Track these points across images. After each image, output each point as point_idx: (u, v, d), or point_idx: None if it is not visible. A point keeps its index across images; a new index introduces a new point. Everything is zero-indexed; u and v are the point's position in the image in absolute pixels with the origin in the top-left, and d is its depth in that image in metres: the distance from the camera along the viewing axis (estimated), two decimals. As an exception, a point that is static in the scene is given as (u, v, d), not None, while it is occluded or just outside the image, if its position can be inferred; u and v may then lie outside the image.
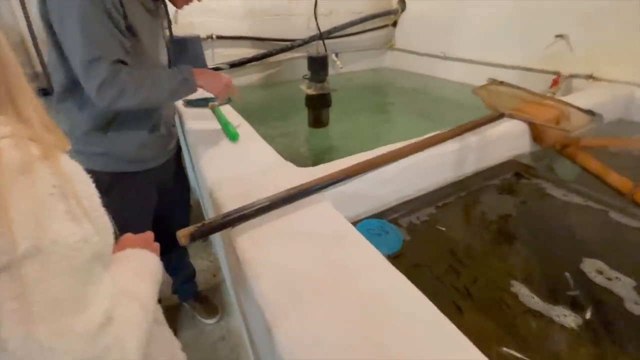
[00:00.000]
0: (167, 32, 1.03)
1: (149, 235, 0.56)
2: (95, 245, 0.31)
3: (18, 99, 0.29)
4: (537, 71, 1.88)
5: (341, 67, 2.62)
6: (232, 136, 1.02)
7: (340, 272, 0.52)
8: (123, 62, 0.78)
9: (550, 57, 1.84)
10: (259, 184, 0.78)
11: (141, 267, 0.46)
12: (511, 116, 1.15)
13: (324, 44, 1.56)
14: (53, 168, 0.28)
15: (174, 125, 1.13)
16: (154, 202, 1.08)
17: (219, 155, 0.94)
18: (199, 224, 0.58)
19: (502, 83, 1.41)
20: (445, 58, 2.41)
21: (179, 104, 1.40)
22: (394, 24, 2.82)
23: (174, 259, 1.38)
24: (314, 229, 0.62)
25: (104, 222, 0.35)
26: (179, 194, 1.24)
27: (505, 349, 0.53)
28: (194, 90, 0.94)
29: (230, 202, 0.70)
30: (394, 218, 0.88)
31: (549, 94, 1.62)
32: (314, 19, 2.51)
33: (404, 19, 2.74)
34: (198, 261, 1.66)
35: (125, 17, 0.78)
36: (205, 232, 0.58)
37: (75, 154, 0.37)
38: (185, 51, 1.75)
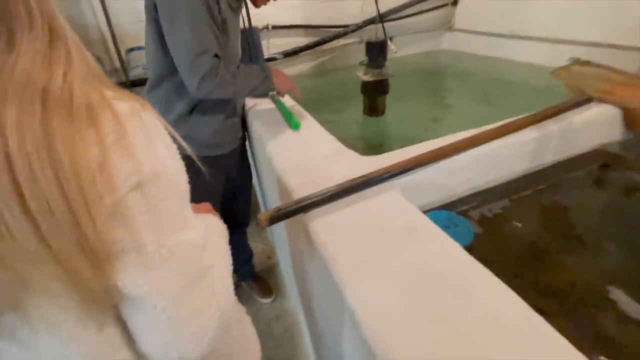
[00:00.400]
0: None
1: (208, 206, 0.61)
2: (185, 182, 0.35)
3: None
4: (625, 48, 1.63)
5: (395, 52, 2.51)
6: (295, 125, 1.04)
7: (414, 260, 0.51)
8: (218, 57, 0.85)
9: (644, 31, 1.58)
10: (325, 171, 0.78)
11: (211, 226, 0.50)
12: (601, 100, 1.02)
13: (383, 27, 1.50)
14: (150, 115, 0.33)
15: (244, 115, 1.20)
16: (222, 186, 1.15)
17: (283, 143, 0.97)
18: (276, 208, 0.60)
19: (587, 63, 1.25)
20: (512, 37, 2.19)
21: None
22: (454, 3, 2.62)
23: (235, 241, 1.46)
24: (386, 218, 0.62)
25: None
26: (244, 179, 1.31)
27: (602, 358, 0.49)
28: (270, 89, 1.06)
29: (299, 189, 0.72)
30: (463, 210, 0.83)
31: (644, 74, 1.40)
32: (368, 3, 2.44)
33: (465, -4, 2.54)
34: (253, 244, 1.75)
35: (219, 13, 0.85)
36: (282, 216, 0.60)
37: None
38: (247, 43, 1.80)
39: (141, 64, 1.86)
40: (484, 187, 0.89)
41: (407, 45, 2.68)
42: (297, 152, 0.89)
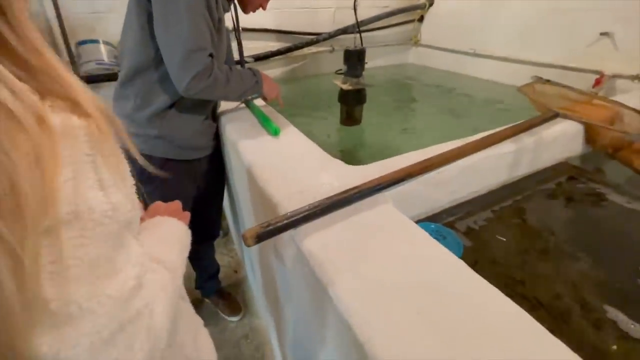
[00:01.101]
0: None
1: (178, 204, 0.56)
2: (125, 214, 0.31)
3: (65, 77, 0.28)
4: (577, 70, 1.80)
5: (366, 63, 2.55)
6: (274, 130, 0.98)
7: (417, 273, 0.47)
8: (212, 56, 0.81)
9: (591, 56, 1.75)
10: (312, 182, 0.73)
11: (169, 234, 0.46)
12: (566, 116, 1.09)
13: (360, 36, 1.50)
14: (90, 136, 0.28)
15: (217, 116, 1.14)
16: (194, 192, 1.08)
17: (263, 150, 0.90)
18: (264, 224, 0.54)
19: (548, 82, 1.34)
20: (475, 55, 2.33)
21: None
22: (420, 19, 2.74)
23: (201, 252, 1.35)
24: (384, 232, 0.58)
25: (133, 192, 0.35)
26: (216, 187, 1.23)
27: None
28: (258, 94, 1.04)
29: (286, 202, 0.66)
30: (450, 222, 0.82)
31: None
32: (340, 12, 2.46)
33: (431, 14, 2.66)
34: (218, 256, 1.63)
35: (217, 12, 0.82)
36: (270, 233, 0.54)
37: (131, 136, 0.37)
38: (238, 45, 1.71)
39: (94, 59, 1.67)
40: (467, 199, 0.89)
41: (376, 58, 2.74)
42: (279, 161, 0.83)
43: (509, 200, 0.91)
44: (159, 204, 0.54)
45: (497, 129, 0.95)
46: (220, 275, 1.61)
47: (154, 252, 0.39)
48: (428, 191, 0.82)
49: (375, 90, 2.38)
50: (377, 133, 1.64)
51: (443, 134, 1.70)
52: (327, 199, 0.61)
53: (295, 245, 0.56)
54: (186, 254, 0.48)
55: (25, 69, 0.26)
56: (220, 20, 0.85)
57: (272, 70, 2.37)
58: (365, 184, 0.66)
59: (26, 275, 0.22)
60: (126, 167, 0.34)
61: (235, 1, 1.05)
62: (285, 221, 0.55)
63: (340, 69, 1.47)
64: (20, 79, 0.24)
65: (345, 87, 1.43)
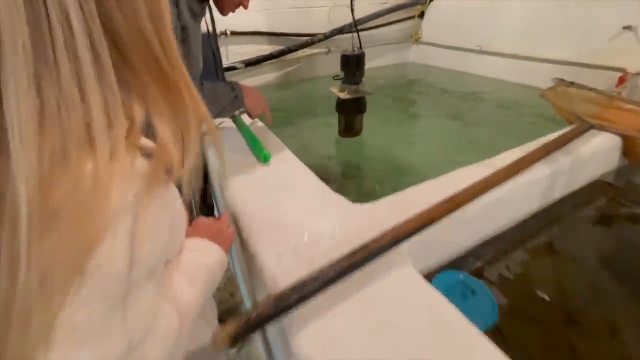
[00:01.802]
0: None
1: (223, 222, 0.51)
2: (147, 265, 0.27)
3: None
4: (597, 67, 1.65)
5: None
6: (264, 157, 0.83)
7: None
8: None
9: (613, 52, 1.60)
10: (311, 232, 0.59)
11: (200, 267, 0.41)
12: (602, 128, 0.94)
13: (359, 37, 1.35)
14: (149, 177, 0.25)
15: None
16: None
17: (250, 186, 0.75)
18: (242, 319, 0.39)
19: (572, 84, 1.19)
20: (480, 52, 2.17)
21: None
22: (421, 15, 2.58)
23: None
24: (406, 313, 0.43)
25: (178, 231, 0.34)
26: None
27: None
28: (239, 109, 0.93)
29: (275, 267, 0.51)
30: (477, 268, 0.68)
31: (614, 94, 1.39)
32: (335, 11, 2.30)
33: (432, 9, 2.50)
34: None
35: (179, 20, 0.68)
36: (252, 329, 0.39)
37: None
38: (211, 52, 1.56)
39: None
40: (494, 234, 0.75)
41: (375, 57, 2.58)
42: (268, 200, 0.68)
43: (544, 234, 0.77)
44: (202, 220, 0.50)
45: (525, 147, 0.80)
46: (216, 299, 1.46)
47: (175, 286, 0.36)
48: (450, 232, 0.67)
49: (376, 90, 2.24)
50: (380, 146, 1.48)
51: (453, 144, 1.55)
52: (330, 266, 0.47)
53: (286, 345, 0.41)
54: (214, 287, 0.43)
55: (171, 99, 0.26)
56: (185, 29, 0.70)
57: (265, 76, 2.22)
58: (377, 239, 0.51)
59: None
60: (177, 207, 0.32)
61: (211, 2, 0.89)
62: (273, 310, 0.40)
63: (338, 75, 1.32)
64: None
65: (343, 95, 1.28)
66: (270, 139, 0.97)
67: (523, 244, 0.74)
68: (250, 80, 2.17)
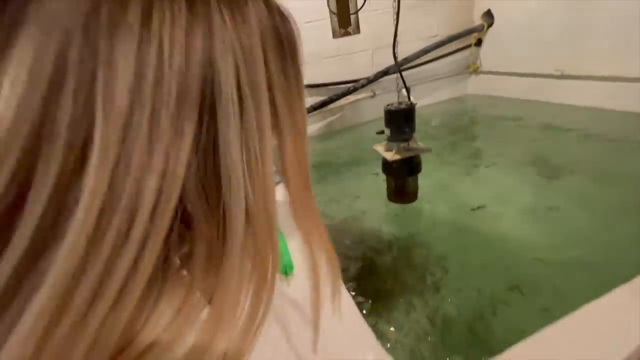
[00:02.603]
0: None
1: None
2: None
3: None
4: None
5: (415, 103, 2.16)
6: (283, 268, 0.62)
7: None
8: None
9: None
10: None
11: None
12: None
13: (405, 84, 1.13)
14: None
15: None
16: None
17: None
18: None
19: None
20: (562, 77, 1.78)
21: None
22: (478, 43, 2.29)
23: None
24: None
25: None
26: None
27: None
28: None
29: None
30: None
31: None
32: (379, 53, 2.15)
33: (492, 35, 2.21)
34: None
35: None
36: None
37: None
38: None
39: None
40: None
41: (426, 95, 2.32)
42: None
43: None
44: None
45: None
46: None
47: None
48: None
49: (429, 135, 1.95)
50: (443, 217, 1.17)
51: (530, 199, 1.18)
52: None
53: None
54: None
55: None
56: None
57: (308, 128, 2.10)
58: None
59: None
60: None
61: None
62: None
63: (382, 130, 1.10)
64: None
65: (391, 156, 1.04)
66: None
67: None
68: (293, 134, 2.07)
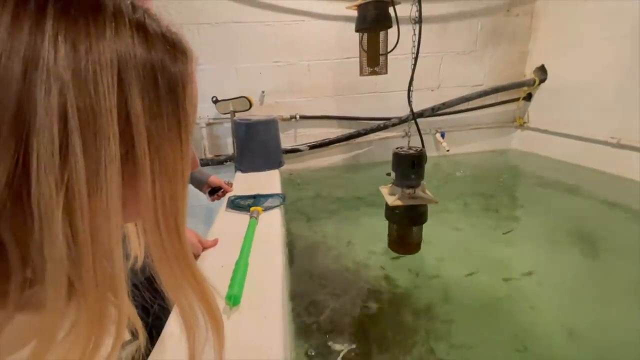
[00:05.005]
0: None
1: None
2: None
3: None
4: None
5: (447, 150, 2.07)
6: (231, 297, 0.59)
7: None
8: None
9: None
10: None
11: None
12: None
13: (419, 130, 1.09)
14: None
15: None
16: None
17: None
18: None
19: None
20: (619, 146, 1.60)
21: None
22: (527, 97, 2.16)
23: None
24: None
25: None
26: None
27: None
28: None
29: None
30: None
31: None
32: (416, 95, 2.11)
33: (543, 91, 2.07)
34: None
35: None
36: None
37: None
38: (255, 135, 1.54)
39: None
40: None
41: (464, 142, 2.21)
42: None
43: None
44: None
45: None
46: None
47: None
48: None
49: (453, 184, 1.83)
50: (448, 276, 1.06)
51: (568, 281, 1.01)
52: None
53: None
54: None
55: None
56: None
57: (333, 157, 2.10)
58: None
59: None
60: None
61: None
62: None
63: (390, 172, 1.05)
64: None
65: (392, 201, 0.98)
66: (266, 247, 0.74)
67: None
68: (317, 162, 2.08)
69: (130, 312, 0.26)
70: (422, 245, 1.06)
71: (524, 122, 2.21)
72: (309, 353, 0.77)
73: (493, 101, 2.16)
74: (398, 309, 0.93)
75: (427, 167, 1.00)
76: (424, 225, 1.03)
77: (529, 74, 2.13)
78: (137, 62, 0.22)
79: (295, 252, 1.22)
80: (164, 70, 0.23)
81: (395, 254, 1.09)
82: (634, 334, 0.79)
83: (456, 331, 0.83)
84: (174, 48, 0.24)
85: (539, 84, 2.06)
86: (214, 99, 1.70)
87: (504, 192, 1.75)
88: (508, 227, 1.37)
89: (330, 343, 0.80)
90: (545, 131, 2.06)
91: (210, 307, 0.29)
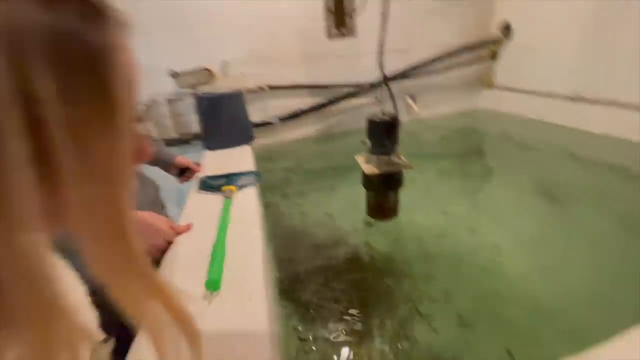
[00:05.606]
0: None
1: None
2: None
3: None
4: None
5: (419, 114, 2.07)
6: (211, 282, 0.57)
7: None
8: None
9: None
10: None
11: None
12: None
13: (390, 93, 1.06)
14: None
15: None
16: None
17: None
18: None
19: None
20: (579, 99, 1.66)
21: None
22: (494, 56, 2.17)
23: None
24: None
25: None
26: None
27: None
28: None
29: None
30: None
31: None
32: (387, 56, 2.06)
33: (509, 49, 2.09)
34: None
35: None
36: None
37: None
38: (220, 110, 1.45)
39: None
40: None
41: (434, 105, 2.22)
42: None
43: None
44: None
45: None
46: None
47: None
48: None
49: (425, 146, 1.87)
50: (423, 235, 1.09)
51: (529, 227, 1.09)
52: None
53: None
54: None
55: None
56: None
57: (305, 128, 2.04)
58: None
59: None
60: None
61: None
62: None
63: (365, 141, 1.03)
64: None
65: (369, 169, 0.97)
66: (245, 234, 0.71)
67: None
68: (290, 134, 2.02)
69: (85, 329, 0.23)
70: (400, 210, 1.07)
71: (491, 82, 2.24)
72: (297, 328, 0.78)
73: (460, 61, 2.16)
74: (381, 274, 0.96)
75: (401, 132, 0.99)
76: (401, 191, 1.04)
77: (495, 31, 2.13)
78: (36, 28, 0.16)
79: (274, 229, 1.21)
80: (77, 38, 0.18)
81: (374, 220, 1.11)
82: (594, 269, 0.86)
83: (434, 286, 0.87)
84: (91, 10, 0.19)
85: (504, 42, 2.07)
86: (172, 72, 1.56)
87: (473, 152, 1.81)
88: (478, 186, 1.42)
89: (315, 315, 0.81)
90: (511, 89, 2.10)
91: (180, 317, 0.25)
